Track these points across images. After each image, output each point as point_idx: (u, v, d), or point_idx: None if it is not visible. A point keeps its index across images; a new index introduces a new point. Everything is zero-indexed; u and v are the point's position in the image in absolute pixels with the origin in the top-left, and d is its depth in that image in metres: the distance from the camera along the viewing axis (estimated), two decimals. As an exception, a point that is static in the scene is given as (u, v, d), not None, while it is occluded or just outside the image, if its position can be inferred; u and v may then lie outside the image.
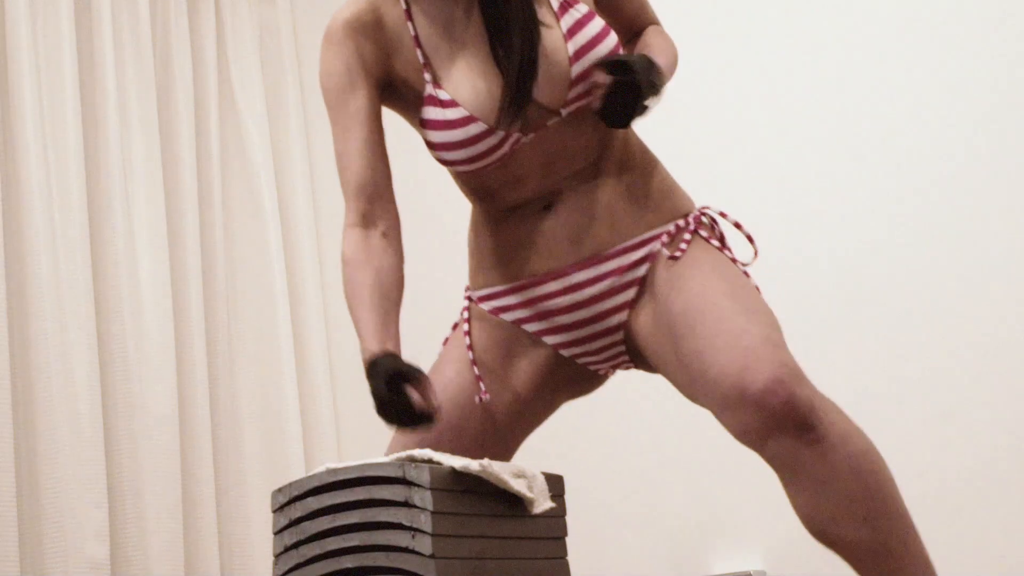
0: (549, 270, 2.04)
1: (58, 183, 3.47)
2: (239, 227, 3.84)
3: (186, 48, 3.79)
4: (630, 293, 2.02)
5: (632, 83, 1.89)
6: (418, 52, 1.98)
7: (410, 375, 1.85)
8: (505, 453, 2.13)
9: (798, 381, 1.84)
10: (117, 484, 3.43)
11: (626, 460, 3.34)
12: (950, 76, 2.99)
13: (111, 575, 3.34)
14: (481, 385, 2.06)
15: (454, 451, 2.02)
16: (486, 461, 1.86)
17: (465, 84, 1.95)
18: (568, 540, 2.01)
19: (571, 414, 3.47)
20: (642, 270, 2.02)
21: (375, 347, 1.89)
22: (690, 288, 1.95)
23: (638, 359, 2.09)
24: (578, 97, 1.97)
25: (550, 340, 2.08)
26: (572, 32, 1.96)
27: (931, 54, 3.02)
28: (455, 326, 2.15)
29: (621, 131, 2.05)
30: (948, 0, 3.01)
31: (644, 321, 2.01)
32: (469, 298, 2.13)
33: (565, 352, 2.09)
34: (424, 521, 1.76)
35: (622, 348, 2.07)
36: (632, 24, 2.14)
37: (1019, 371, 2.86)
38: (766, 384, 1.82)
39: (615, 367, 2.13)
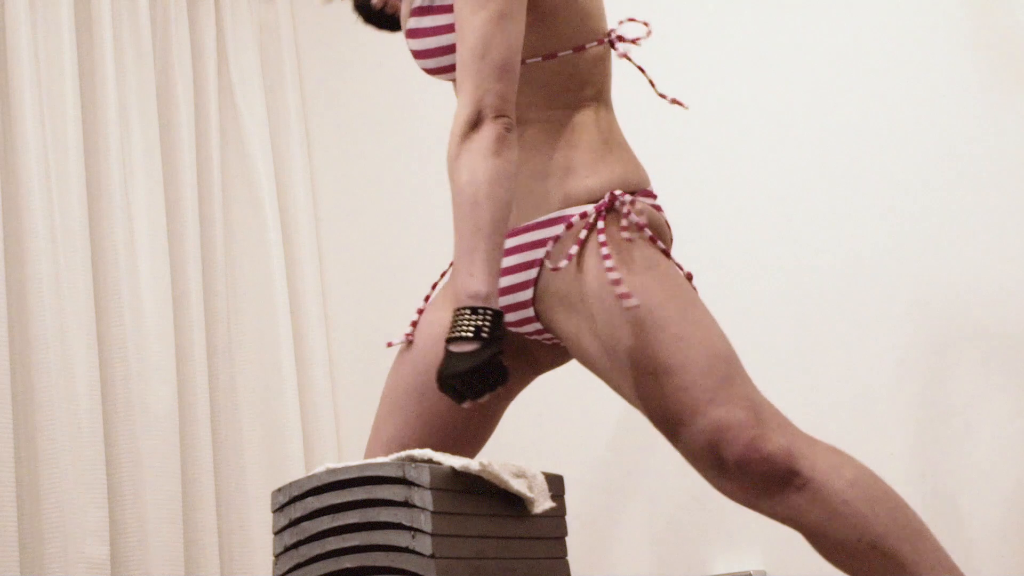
0: None
1: (58, 183, 3.46)
2: (239, 227, 3.83)
3: (186, 48, 3.79)
4: (531, 272, 2.04)
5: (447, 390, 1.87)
6: None
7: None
8: (490, 420, 2.15)
9: (769, 433, 1.85)
10: (117, 484, 3.43)
11: (626, 460, 3.33)
12: (954, 75, 2.99)
13: (111, 575, 3.34)
14: (409, 328, 2.12)
15: (441, 417, 2.08)
16: (486, 460, 1.86)
17: None
18: (568, 540, 2.02)
19: (571, 414, 3.49)
20: (540, 252, 2.03)
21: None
22: (630, 313, 1.92)
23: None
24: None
25: None
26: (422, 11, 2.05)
27: (932, 53, 3.02)
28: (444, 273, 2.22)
29: (561, 107, 2.06)
30: (951, 0, 3.01)
31: (571, 325, 2.00)
32: None
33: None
34: (424, 521, 1.76)
35: (539, 325, 2.07)
36: None
37: (1020, 371, 2.86)
38: (741, 455, 1.84)
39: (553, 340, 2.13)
